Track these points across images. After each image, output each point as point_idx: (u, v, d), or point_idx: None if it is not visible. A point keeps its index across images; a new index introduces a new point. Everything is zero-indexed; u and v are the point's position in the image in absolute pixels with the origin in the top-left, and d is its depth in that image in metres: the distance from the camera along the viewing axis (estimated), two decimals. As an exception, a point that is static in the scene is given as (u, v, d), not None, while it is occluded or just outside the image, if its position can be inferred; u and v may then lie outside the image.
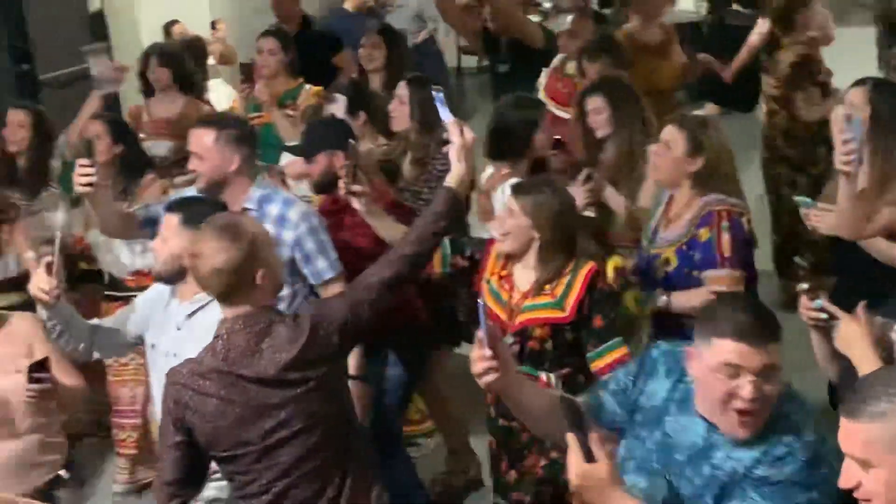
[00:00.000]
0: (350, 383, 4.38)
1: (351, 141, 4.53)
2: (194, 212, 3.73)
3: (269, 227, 4.21)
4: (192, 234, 3.48)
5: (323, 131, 4.86)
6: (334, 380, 3.40)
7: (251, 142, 4.36)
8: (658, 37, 7.06)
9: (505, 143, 4.93)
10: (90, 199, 4.36)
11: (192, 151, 4.30)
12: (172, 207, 3.87)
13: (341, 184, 4.29)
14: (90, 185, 4.12)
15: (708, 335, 2.69)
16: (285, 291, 4.24)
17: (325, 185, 4.59)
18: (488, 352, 2.77)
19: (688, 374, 2.80)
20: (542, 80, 6.94)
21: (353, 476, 3.44)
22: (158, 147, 6.49)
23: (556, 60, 6.98)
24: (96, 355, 4.06)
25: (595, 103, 5.24)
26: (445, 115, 3.72)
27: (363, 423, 4.45)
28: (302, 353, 3.26)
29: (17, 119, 6.02)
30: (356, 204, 4.31)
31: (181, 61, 6.84)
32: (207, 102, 7.26)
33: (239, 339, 3.27)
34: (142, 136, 6.48)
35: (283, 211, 4.27)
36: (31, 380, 3.91)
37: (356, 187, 4.26)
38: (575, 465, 2.51)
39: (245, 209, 4.25)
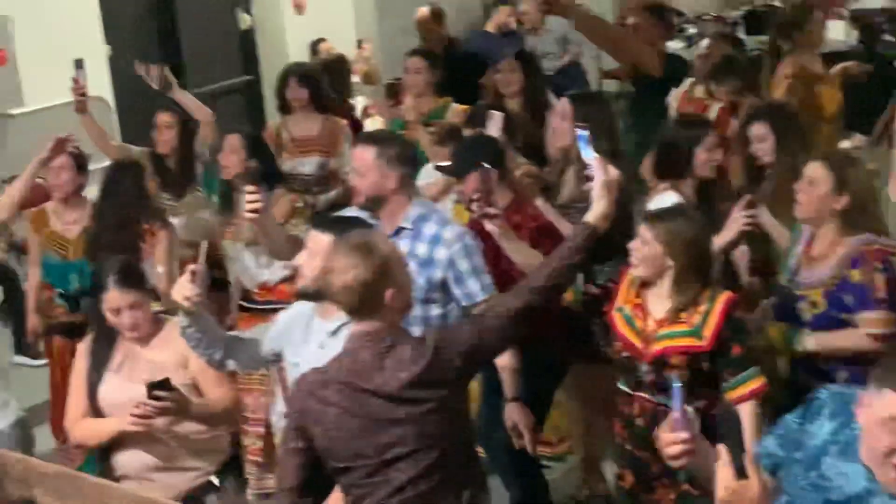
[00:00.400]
0: (510, 406, 4.39)
1: (485, 165, 4.53)
2: (347, 232, 3.70)
3: (423, 247, 4.24)
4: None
5: (474, 149, 4.88)
6: (454, 403, 3.38)
7: (411, 161, 4.38)
8: (820, 65, 6.92)
9: (665, 161, 4.92)
10: (258, 225, 4.47)
11: (352, 168, 4.34)
12: (324, 226, 3.88)
13: (474, 206, 4.31)
14: (257, 211, 4.23)
15: (881, 385, 2.59)
16: (436, 311, 4.28)
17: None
18: (684, 434, 2.74)
19: (855, 419, 2.72)
20: (673, 103, 6.90)
21: (468, 501, 3.44)
22: (303, 165, 6.62)
23: (684, 83, 6.92)
24: (231, 365, 4.11)
25: (759, 130, 5.13)
26: (588, 153, 3.71)
27: (519, 446, 4.46)
28: (423, 374, 3.27)
29: (165, 121, 6.26)
30: (490, 227, 4.31)
31: (319, 82, 6.96)
32: (355, 119, 7.38)
33: (364, 354, 3.31)
34: (285, 155, 6.63)
35: (439, 230, 4.27)
36: (151, 397, 3.96)
37: (490, 210, 4.26)
38: (725, 479, 2.45)
39: (401, 228, 4.28)
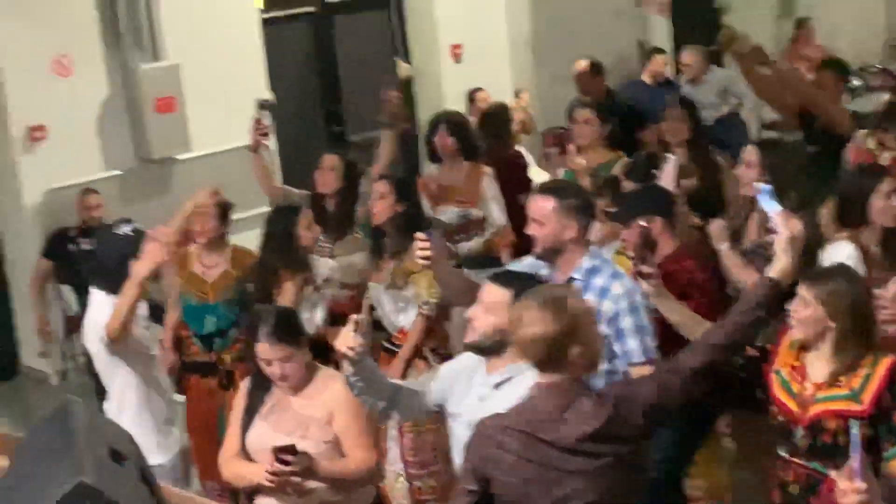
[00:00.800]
0: None
1: (642, 223, 4.50)
2: (527, 290, 3.64)
3: (591, 298, 4.19)
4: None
5: (640, 197, 4.85)
6: (632, 460, 3.36)
7: (589, 212, 4.36)
8: None
9: (844, 210, 4.88)
10: (432, 270, 4.53)
11: (531, 218, 4.34)
12: (501, 280, 3.86)
13: (631, 264, 4.27)
14: (428, 258, 4.30)
15: None
16: (606, 366, 4.18)
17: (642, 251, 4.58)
18: (862, 484, 2.68)
19: None
20: (848, 157, 6.76)
21: None
22: (445, 213, 6.66)
23: (858, 135, 6.78)
24: (395, 415, 4.11)
25: None
26: (772, 206, 3.67)
27: None
28: (603, 429, 3.27)
29: (330, 163, 6.39)
30: (644, 286, 4.25)
31: (468, 130, 7.02)
32: (523, 166, 7.40)
33: (545, 404, 3.31)
34: (430, 203, 6.68)
35: (608, 283, 4.23)
36: (277, 460, 3.99)
37: (645, 269, 4.21)
38: None
39: (572, 279, 4.26)
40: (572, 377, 3.32)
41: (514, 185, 6.92)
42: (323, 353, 4.93)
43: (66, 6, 7.93)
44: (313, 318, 5.64)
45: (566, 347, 3.26)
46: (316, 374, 4.32)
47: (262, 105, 6.55)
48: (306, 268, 5.69)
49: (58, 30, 7.87)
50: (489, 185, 6.77)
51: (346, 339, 3.81)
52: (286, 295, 5.51)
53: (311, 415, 4.22)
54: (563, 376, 3.30)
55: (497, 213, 6.73)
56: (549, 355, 3.27)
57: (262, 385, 4.35)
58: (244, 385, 4.47)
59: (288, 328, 4.27)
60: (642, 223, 4.51)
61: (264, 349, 4.20)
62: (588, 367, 3.37)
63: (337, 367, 4.48)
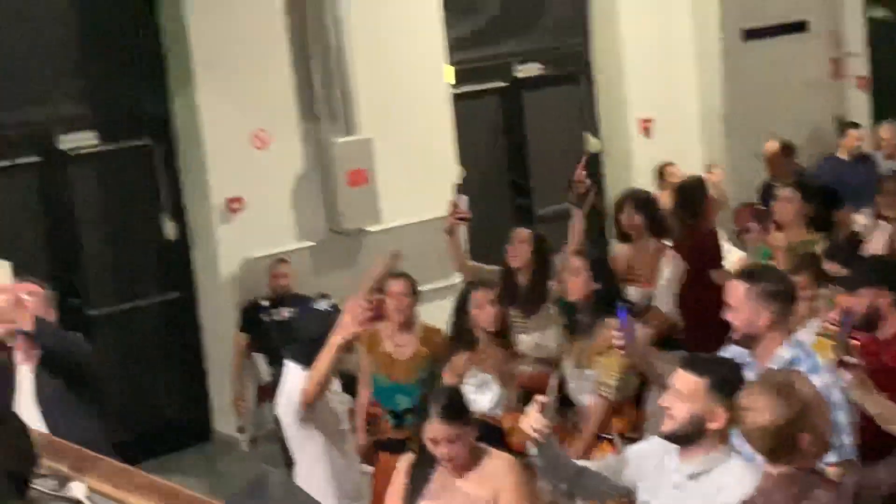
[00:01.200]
0: None
1: (847, 307, 4.31)
2: (723, 377, 3.62)
3: None
4: (720, 399, 3.48)
5: (871, 266, 4.70)
6: None
7: (786, 297, 4.22)
8: None
9: None
10: (628, 357, 4.56)
11: (727, 303, 4.25)
12: (693, 366, 3.77)
13: (832, 353, 4.09)
14: (622, 346, 4.32)
15: None
16: None
17: (868, 322, 4.42)
18: None
19: None
20: None
21: None
22: (630, 293, 6.54)
23: None
24: (578, 498, 4.04)
25: None
26: None
27: None
28: None
29: (522, 237, 6.40)
30: (845, 375, 4.06)
31: (655, 208, 6.92)
32: (717, 240, 7.28)
33: (776, 497, 3.21)
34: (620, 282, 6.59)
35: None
36: None
37: (848, 359, 4.03)
38: None
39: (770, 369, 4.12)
40: (802, 466, 3.20)
41: (707, 262, 6.80)
42: (493, 436, 4.89)
43: (266, 83, 8.20)
44: (480, 400, 5.52)
45: (796, 436, 3.15)
46: (483, 456, 4.30)
47: (459, 189, 6.62)
48: (470, 346, 5.65)
49: (257, 105, 8.14)
50: (668, 268, 6.63)
51: (532, 421, 3.79)
52: (449, 373, 5.51)
53: (479, 496, 4.20)
54: (795, 466, 3.18)
55: (663, 298, 6.58)
56: (778, 445, 3.16)
57: (426, 465, 4.34)
58: (403, 463, 4.47)
59: (459, 407, 4.29)
60: (846, 309, 4.33)
61: (434, 428, 4.22)
62: (818, 455, 3.25)
63: (510, 450, 4.44)
